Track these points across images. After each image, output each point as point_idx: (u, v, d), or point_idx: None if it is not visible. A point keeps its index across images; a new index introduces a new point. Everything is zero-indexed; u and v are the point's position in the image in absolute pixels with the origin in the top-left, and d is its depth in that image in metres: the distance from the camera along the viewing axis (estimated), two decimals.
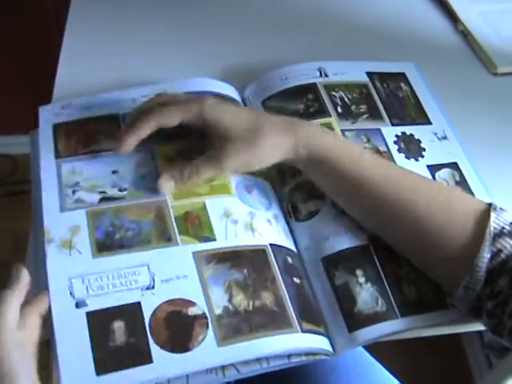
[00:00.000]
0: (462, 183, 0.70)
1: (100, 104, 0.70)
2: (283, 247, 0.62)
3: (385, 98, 0.77)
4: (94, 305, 0.53)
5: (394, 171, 0.62)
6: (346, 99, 0.76)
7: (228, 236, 0.60)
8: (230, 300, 0.55)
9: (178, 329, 0.53)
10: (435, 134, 0.75)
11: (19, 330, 0.49)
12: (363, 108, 0.76)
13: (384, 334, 0.58)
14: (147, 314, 0.53)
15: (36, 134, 0.68)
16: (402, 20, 0.95)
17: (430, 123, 0.76)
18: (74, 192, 0.62)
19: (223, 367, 0.53)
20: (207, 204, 0.62)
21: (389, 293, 0.60)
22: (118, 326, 0.52)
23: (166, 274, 0.56)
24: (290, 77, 0.76)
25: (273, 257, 0.59)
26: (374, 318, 0.58)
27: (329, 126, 0.72)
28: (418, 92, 0.79)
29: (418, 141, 0.74)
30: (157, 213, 0.60)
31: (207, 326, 0.53)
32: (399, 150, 0.72)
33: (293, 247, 0.63)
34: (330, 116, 0.73)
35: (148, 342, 0.52)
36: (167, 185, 0.61)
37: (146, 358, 0.51)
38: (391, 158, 0.71)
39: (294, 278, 0.60)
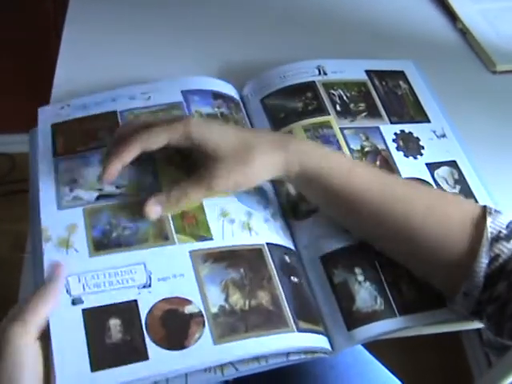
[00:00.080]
0: (461, 181, 0.70)
1: (98, 102, 0.70)
2: (281, 246, 0.62)
3: (383, 96, 0.77)
4: (90, 302, 0.53)
5: (388, 183, 0.60)
6: (345, 97, 0.76)
7: (225, 235, 0.60)
8: (226, 299, 0.55)
9: (175, 327, 0.53)
10: (434, 132, 0.75)
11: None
12: (362, 106, 0.75)
13: (383, 332, 0.57)
14: (143, 312, 0.53)
15: (35, 132, 0.68)
16: (401, 18, 0.95)
17: (428, 121, 0.76)
18: (71, 190, 0.62)
19: (222, 366, 0.53)
20: (204, 203, 0.61)
21: (387, 291, 0.60)
22: (114, 323, 0.52)
23: (163, 273, 0.56)
24: (289, 75, 0.76)
25: (269, 256, 0.59)
26: (373, 317, 0.58)
27: (327, 125, 0.72)
28: (417, 90, 0.79)
29: (417, 139, 0.74)
30: None
31: (203, 325, 0.53)
32: (398, 148, 0.72)
33: (291, 246, 0.63)
34: (329, 114, 0.73)
35: (144, 340, 0.52)
36: (154, 210, 0.58)
37: (141, 355, 0.51)
38: (390, 156, 0.71)
39: (292, 277, 0.60)
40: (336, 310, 0.59)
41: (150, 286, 0.55)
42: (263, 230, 0.61)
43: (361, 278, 0.60)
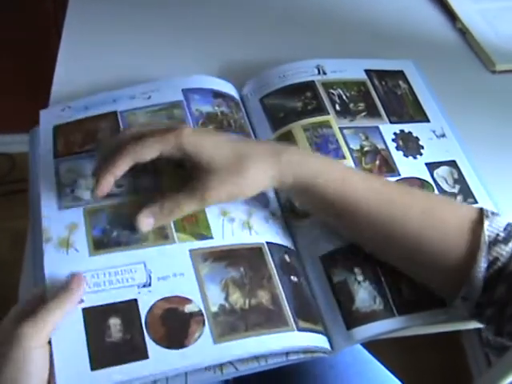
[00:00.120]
0: (461, 181, 0.70)
1: (98, 103, 0.70)
2: (281, 245, 0.62)
3: (383, 96, 0.77)
4: (90, 301, 0.53)
5: (383, 190, 0.59)
6: (344, 97, 0.76)
7: (225, 234, 0.60)
8: (226, 298, 0.55)
9: (175, 326, 0.53)
10: (433, 131, 0.75)
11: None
12: (361, 106, 0.75)
13: (382, 331, 0.57)
14: (143, 311, 0.53)
15: (35, 132, 0.69)
16: (401, 18, 0.95)
17: (428, 121, 0.76)
18: (72, 191, 0.62)
19: (221, 365, 0.53)
20: None
21: (386, 291, 0.60)
22: (114, 322, 0.52)
23: (163, 272, 0.56)
24: (289, 74, 0.76)
25: (269, 255, 0.59)
26: (372, 316, 0.58)
27: (327, 124, 0.72)
28: (417, 90, 0.79)
29: (417, 138, 0.74)
30: None
31: (203, 324, 0.53)
32: (397, 148, 0.72)
33: (291, 245, 0.63)
34: (328, 114, 0.73)
35: (144, 339, 0.52)
36: (146, 222, 0.57)
37: (141, 354, 0.51)
38: (389, 156, 0.71)
39: (292, 277, 0.60)
40: (335, 309, 0.59)
41: (149, 285, 0.55)
42: (263, 229, 0.61)
43: (360, 277, 0.60)
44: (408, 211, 0.58)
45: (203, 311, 0.54)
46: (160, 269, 0.56)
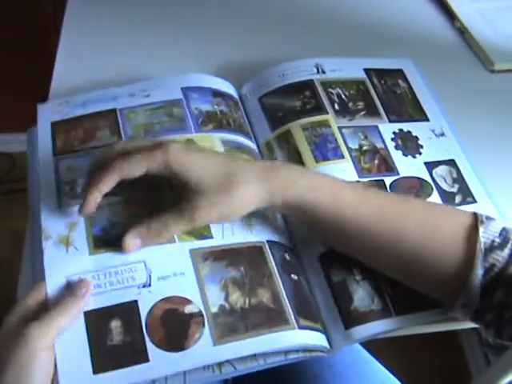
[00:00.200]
0: (460, 180, 0.70)
1: (97, 100, 0.70)
2: (281, 244, 0.62)
3: (382, 95, 0.77)
4: (91, 304, 0.53)
5: (376, 203, 0.58)
6: (343, 96, 0.76)
7: (225, 234, 0.60)
8: (226, 298, 0.55)
9: (175, 327, 0.53)
10: (433, 130, 0.75)
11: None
12: (360, 105, 0.75)
13: (380, 331, 0.57)
14: (144, 313, 0.53)
15: (33, 131, 0.69)
16: (400, 17, 0.95)
17: (427, 120, 0.76)
18: (71, 189, 0.62)
19: (220, 364, 0.53)
20: None
21: (384, 291, 0.60)
22: (115, 325, 0.52)
23: (163, 271, 0.56)
24: (288, 73, 0.76)
25: (270, 253, 0.59)
26: (370, 316, 0.58)
27: (326, 123, 0.72)
28: (416, 89, 0.79)
29: (416, 138, 0.74)
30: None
31: (203, 325, 0.53)
32: (396, 147, 0.72)
33: (290, 244, 0.63)
34: (327, 113, 0.73)
35: (144, 341, 0.52)
36: (133, 243, 0.56)
37: (142, 357, 0.51)
38: (388, 155, 0.71)
39: (292, 275, 0.60)
40: (334, 308, 0.59)
41: (150, 285, 0.55)
42: (263, 228, 0.61)
43: (359, 277, 0.60)
44: (404, 225, 0.57)
45: (203, 312, 0.54)
46: (160, 268, 0.56)
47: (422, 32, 0.93)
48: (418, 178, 0.70)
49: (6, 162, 1.75)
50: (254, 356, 0.54)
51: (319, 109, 0.73)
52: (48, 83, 0.77)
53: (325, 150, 0.69)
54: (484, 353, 1.43)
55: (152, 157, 0.56)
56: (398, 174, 0.69)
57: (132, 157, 0.56)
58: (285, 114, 0.72)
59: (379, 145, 0.72)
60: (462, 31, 0.93)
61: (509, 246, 0.55)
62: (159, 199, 0.61)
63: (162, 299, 0.54)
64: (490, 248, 0.54)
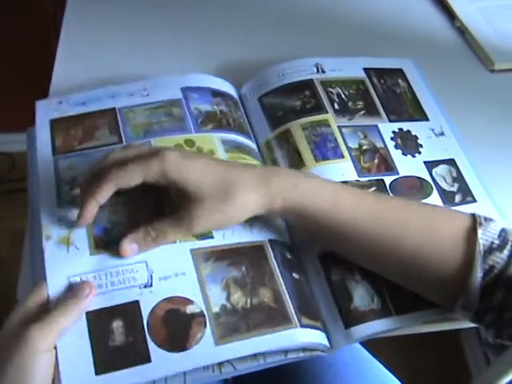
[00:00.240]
0: (459, 179, 0.70)
1: (96, 99, 0.70)
2: (282, 242, 0.62)
3: (382, 94, 0.77)
4: (93, 304, 0.53)
5: (375, 208, 0.58)
6: (343, 95, 0.76)
7: (225, 233, 0.60)
8: (227, 298, 0.55)
9: (176, 327, 0.53)
10: (432, 130, 0.75)
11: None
12: (360, 104, 0.75)
13: (380, 330, 0.57)
14: (145, 313, 0.53)
15: (33, 130, 0.68)
16: (400, 17, 0.95)
17: (427, 119, 0.76)
18: (71, 188, 0.62)
19: (220, 364, 0.53)
20: None
21: (384, 290, 0.60)
22: (117, 325, 0.52)
23: (164, 272, 0.56)
24: (287, 73, 0.76)
25: (271, 252, 0.59)
26: (370, 315, 0.58)
27: (325, 123, 0.72)
28: (416, 88, 0.79)
29: (415, 137, 0.74)
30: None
31: (205, 325, 0.53)
32: (396, 147, 0.72)
33: (290, 242, 0.63)
34: (327, 112, 0.73)
35: (146, 342, 0.52)
36: (130, 247, 0.56)
37: (144, 358, 0.51)
38: (388, 155, 0.71)
39: (294, 274, 0.60)
40: (334, 308, 0.59)
41: (151, 285, 0.55)
42: (264, 227, 0.61)
43: (358, 276, 0.60)
44: (405, 229, 0.57)
45: (205, 312, 0.54)
46: (161, 269, 0.56)
47: (421, 31, 0.93)
48: (418, 178, 0.70)
49: (6, 161, 1.75)
50: (254, 356, 0.54)
51: (319, 108, 0.73)
52: (48, 83, 0.77)
53: (324, 149, 0.69)
54: (484, 352, 1.44)
55: (148, 166, 0.55)
56: (398, 173, 0.69)
57: (128, 166, 0.55)
58: (284, 114, 0.72)
59: (379, 144, 0.72)
60: (462, 31, 0.93)
61: (508, 247, 0.54)
62: (161, 198, 0.61)
63: (163, 299, 0.54)
64: (489, 250, 0.54)
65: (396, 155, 0.71)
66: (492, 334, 0.55)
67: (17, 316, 0.51)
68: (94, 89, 0.72)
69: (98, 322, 0.53)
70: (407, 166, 0.70)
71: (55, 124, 0.68)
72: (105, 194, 0.55)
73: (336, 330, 0.57)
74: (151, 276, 0.55)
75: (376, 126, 0.73)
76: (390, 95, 0.78)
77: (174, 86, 0.72)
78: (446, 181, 0.70)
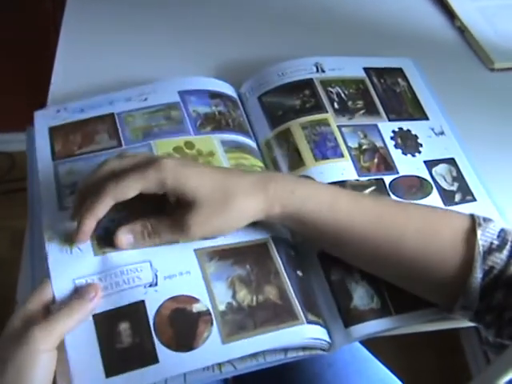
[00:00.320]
0: (459, 179, 0.70)
1: (95, 105, 0.70)
2: (285, 240, 0.62)
3: (382, 94, 0.77)
4: (99, 307, 0.53)
5: (374, 211, 0.58)
6: (343, 95, 0.76)
7: None
8: (233, 296, 0.55)
9: (183, 326, 0.53)
10: (432, 129, 0.75)
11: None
12: (360, 104, 0.75)
13: (380, 330, 0.57)
14: (151, 313, 0.53)
15: (32, 129, 0.68)
16: (400, 16, 0.95)
17: (427, 119, 0.76)
18: (72, 192, 0.61)
19: (220, 363, 0.53)
20: None
21: (384, 290, 0.60)
22: (124, 327, 0.52)
23: (169, 271, 0.56)
24: (287, 72, 0.76)
25: (275, 250, 0.60)
26: (370, 315, 0.58)
27: (325, 122, 0.72)
28: (416, 87, 0.79)
29: (415, 136, 0.74)
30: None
31: (211, 323, 0.53)
32: (396, 146, 0.72)
33: (291, 241, 0.63)
34: (327, 112, 0.73)
35: (153, 342, 0.52)
36: (126, 238, 0.56)
37: (152, 359, 0.51)
38: (388, 154, 0.71)
39: (298, 271, 0.60)
40: (333, 307, 0.59)
41: (156, 284, 0.55)
42: (267, 225, 0.61)
43: (358, 275, 0.60)
44: (404, 232, 0.57)
45: (211, 310, 0.54)
46: (166, 268, 0.56)
47: (421, 31, 0.93)
48: (418, 177, 0.70)
49: (6, 161, 1.75)
50: (254, 355, 0.54)
51: (319, 107, 0.73)
52: (48, 83, 0.77)
53: (324, 148, 0.69)
54: (484, 352, 1.44)
55: (146, 176, 0.54)
56: (398, 172, 0.69)
57: (125, 178, 0.54)
58: (284, 113, 0.72)
59: (379, 143, 0.72)
60: (462, 30, 0.93)
61: (507, 247, 0.54)
62: (162, 196, 0.61)
63: (169, 298, 0.54)
64: (489, 250, 0.54)
65: (396, 154, 0.71)
66: (492, 334, 0.55)
67: (19, 316, 0.51)
68: (92, 96, 0.72)
69: (105, 325, 0.52)
70: (407, 165, 0.70)
71: (54, 131, 0.68)
72: (103, 208, 0.54)
73: (336, 328, 0.57)
74: (156, 275, 0.55)
75: (376, 126, 0.73)
76: (390, 94, 0.78)
77: (172, 89, 0.72)
78: (445, 180, 0.70)
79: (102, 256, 0.56)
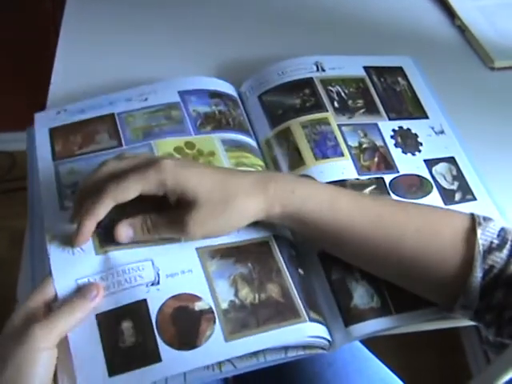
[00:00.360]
0: (459, 178, 0.70)
1: (95, 106, 0.70)
2: (287, 238, 0.62)
3: (382, 93, 0.77)
4: (101, 306, 0.53)
5: (374, 211, 0.58)
6: (343, 94, 0.76)
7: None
8: (235, 294, 0.55)
9: (185, 324, 0.53)
10: (432, 128, 0.75)
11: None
12: (360, 103, 0.75)
13: (380, 329, 0.58)
14: (154, 311, 0.53)
15: (32, 129, 0.69)
16: (400, 15, 0.95)
17: (427, 117, 0.76)
18: (73, 192, 0.61)
19: (220, 363, 0.53)
20: None
21: (384, 289, 0.60)
22: (127, 326, 0.52)
23: (171, 269, 0.56)
24: (287, 71, 0.76)
25: (277, 248, 0.60)
26: (370, 314, 0.58)
27: (325, 121, 0.72)
28: (416, 86, 0.79)
29: (415, 135, 0.74)
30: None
31: (214, 321, 0.53)
32: (396, 145, 0.72)
33: (292, 239, 0.63)
34: (327, 111, 0.73)
35: (156, 341, 0.52)
36: (126, 232, 0.56)
37: (155, 358, 0.51)
38: (388, 153, 0.71)
39: (299, 269, 0.60)
40: (334, 306, 0.59)
41: (158, 282, 0.55)
42: (268, 224, 0.61)
43: (358, 275, 0.60)
44: (404, 231, 0.56)
45: (213, 308, 0.54)
46: (168, 266, 0.56)
47: (421, 30, 0.93)
48: (418, 176, 0.70)
49: (7, 160, 1.75)
50: (255, 354, 0.54)
51: (319, 106, 0.73)
52: (48, 83, 0.77)
53: (324, 147, 0.69)
54: (484, 351, 1.43)
55: (146, 177, 0.54)
56: (398, 171, 0.69)
57: (125, 179, 0.54)
58: (284, 112, 0.72)
59: (379, 142, 0.72)
60: (462, 29, 0.93)
61: (507, 246, 0.54)
62: (162, 199, 0.61)
63: (171, 297, 0.54)
64: (489, 250, 0.54)
65: (396, 153, 0.71)
66: (492, 333, 0.55)
67: (19, 314, 0.51)
68: (92, 97, 0.72)
69: (108, 323, 0.52)
70: (407, 164, 0.70)
71: (54, 132, 0.68)
72: (103, 209, 0.54)
73: (336, 328, 0.57)
74: (158, 274, 0.55)
75: (376, 125, 0.73)
76: (390, 93, 0.78)
77: (172, 90, 0.72)
78: (445, 179, 0.70)
79: (104, 255, 0.56)
